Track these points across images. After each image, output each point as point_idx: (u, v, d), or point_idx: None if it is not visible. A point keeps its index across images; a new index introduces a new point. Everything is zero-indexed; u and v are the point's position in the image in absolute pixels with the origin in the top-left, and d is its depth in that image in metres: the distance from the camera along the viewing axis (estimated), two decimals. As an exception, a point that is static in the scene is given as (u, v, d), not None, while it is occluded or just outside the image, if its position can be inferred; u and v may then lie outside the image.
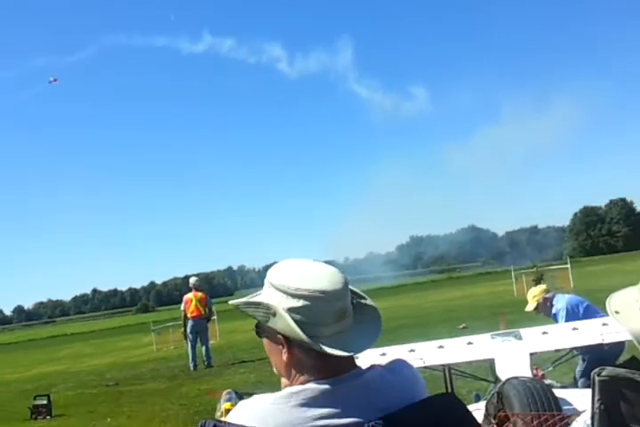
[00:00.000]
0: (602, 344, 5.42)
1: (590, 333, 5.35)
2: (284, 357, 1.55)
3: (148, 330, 28.68)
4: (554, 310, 7.70)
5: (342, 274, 1.59)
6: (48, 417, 12.32)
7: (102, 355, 27.95)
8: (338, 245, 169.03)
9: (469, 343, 5.57)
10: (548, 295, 7.86)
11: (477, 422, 1.64)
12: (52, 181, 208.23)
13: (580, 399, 4.32)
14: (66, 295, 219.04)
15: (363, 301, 1.65)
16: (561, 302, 7.67)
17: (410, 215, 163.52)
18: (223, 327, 25.87)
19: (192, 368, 16.46)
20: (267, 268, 1.65)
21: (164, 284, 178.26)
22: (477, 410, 4.38)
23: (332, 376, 1.52)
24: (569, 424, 3.97)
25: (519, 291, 26.52)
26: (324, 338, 1.51)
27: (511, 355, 5.19)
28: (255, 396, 1.53)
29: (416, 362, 5.12)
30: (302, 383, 1.52)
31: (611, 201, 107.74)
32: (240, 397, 7.19)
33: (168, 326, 26.78)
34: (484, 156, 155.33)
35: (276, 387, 1.57)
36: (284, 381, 1.60)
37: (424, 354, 5.42)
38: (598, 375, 1.69)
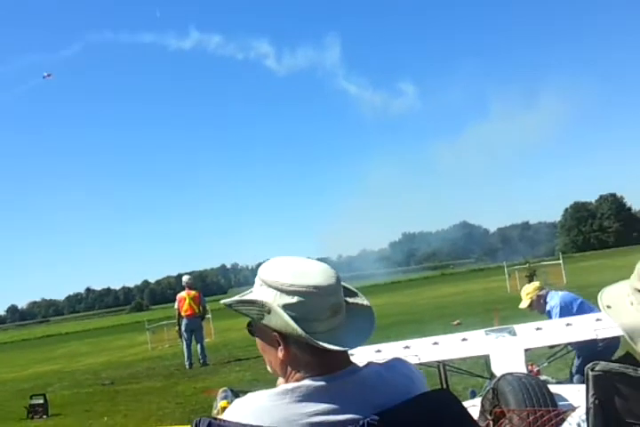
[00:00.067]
0: (596, 340, 5.46)
1: (584, 328, 5.39)
2: (280, 354, 1.55)
3: (143, 329, 28.64)
4: (547, 307, 7.73)
5: (334, 270, 1.60)
6: (44, 417, 12.31)
7: (97, 354, 27.88)
8: (331, 243, 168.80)
9: (464, 340, 5.60)
10: (541, 292, 7.89)
11: (472, 418, 1.66)
12: (43, 181, 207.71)
13: (576, 395, 4.36)
14: (59, 295, 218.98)
15: (354, 298, 1.66)
16: (554, 299, 7.70)
17: (402, 212, 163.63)
18: (218, 325, 25.83)
19: (187, 367, 16.45)
20: (260, 265, 1.66)
21: (158, 282, 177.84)
22: (473, 406, 4.42)
23: (328, 373, 1.53)
24: (564, 420, 4.00)
25: (512, 287, 26.58)
26: (320, 334, 1.51)
27: (506, 351, 5.22)
28: (250, 393, 1.54)
29: (411, 359, 5.15)
30: (298, 380, 1.53)
31: (601, 196, 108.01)
32: (236, 395, 7.21)
33: (162, 324, 26.78)
34: (474, 152, 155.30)
35: (271, 385, 1.59)
36: (280, 380, 1.60)
37: (419, 351, 5.45)
38: (592, 370, 1.71)
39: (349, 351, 1.59)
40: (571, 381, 7.16)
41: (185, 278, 17.48)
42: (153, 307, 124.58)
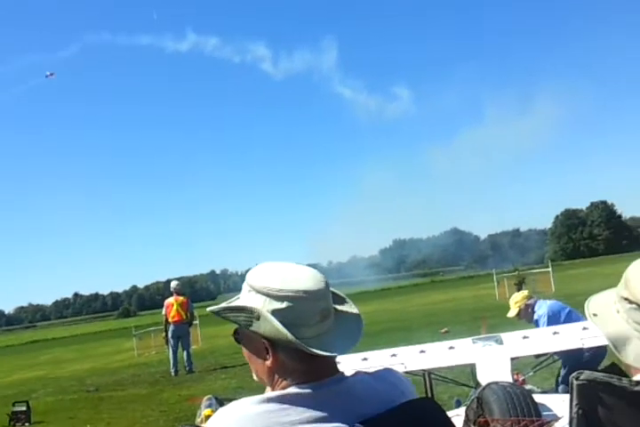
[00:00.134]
0: (582, 349, 5.44)
1: (570, 337, 5.36)
2: (269, 361, 1.53)
3: (130, 335, 28.54)
4: (535, 316, 7.72)
5: (322, 274, 1.59)
6: (27, 424, 12.21)
7: (83, 360, 27.82)
8: (321, 249, 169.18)
9: (451, 348, 5.56)
10: (529, 301, 7.88)
11: (455, 427, 1.64)
12: (31, 184, 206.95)
13: (560, 405, 4.33)
14: (47, 300, 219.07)
15: (342, 305, 1.65)
16: (542, 309, 7.70)
17: (393, 218, 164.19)
18: (205, 332, 25.78)
19: (173, 374, 16.37)
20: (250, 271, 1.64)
21: (147, 288, 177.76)
22: (457, 416, 4.38)
23: (315, 380, 1.51)
24: (548, 430, 3.97)
25: (501, 295, 26.68)
26: (309, 339, 1.49)
27: (492, 360, 5.19)
28: (235, 401, 1.51)
29: (398, 367, 5.11)
30: (284, 388, 1.51)
31: (592, 204, 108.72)
32: (221, 403, 7.17)
33: (150, 330, 26.69)
34: (466, 158, 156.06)
35: (257, 392, 1.55)
36: (267, 389, 1.58)
37: (405, 359, 5.41)
38: (576, 379, 1.69)
39: (336, 359, 1.57)
40: (556, 390, 7.14)
41: (173, 284, 17.43)
42: (141, 313, 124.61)
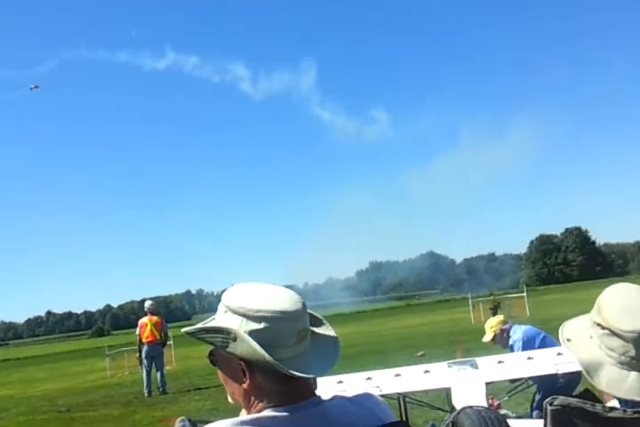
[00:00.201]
0: (557, 375, 5.46)
1: (545, 362, 5.39)
2: (245, 384, 1.51)
3: (103, 355, 28.16)
4: (510, 342, 7.75)
5: (299, 295, 1.58)
6: (-4, 444, 12.01)
7: (55, 380, 27.40)
8: (297, 270, 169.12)
9: (426, 372, 5.56)
10: (505, 326, 7.91)
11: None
12: (3, 201, 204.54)
13: (534, 430, 4.34)
14: (19, 317, 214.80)
15: (319, 327, 1.64)
16: (517, 334, 7.73)
17: (369, 240, 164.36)
18: (180, 353, 25.52)
19: (146, 395, 16.16)
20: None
21: (121, 307, 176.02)
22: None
23: (292, 403, 1.49)
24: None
25: (476, 319, 26.72)
26: (286, 361, 1.47)
27: (467, 384, 5.20)
28: (209, 424, 1.48)
29: (373, 390, 5.10)
30: (260, 410, 1.49)
31: (566, 229, 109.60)
32: (194, 424, 7.08)
33: (123, 350, 26.38)
34: (443, 182, 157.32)
35: (232, 414, 1.54)
36: (243, 411, 1.56)
37: (381, 382, 5.40)
38: (550, 405, 1.71)
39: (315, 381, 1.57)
40: (531, 415, 7.15)
41: (147, 304, 17.29)
42: (115, 332, 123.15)
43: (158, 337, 16.46)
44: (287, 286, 1.63)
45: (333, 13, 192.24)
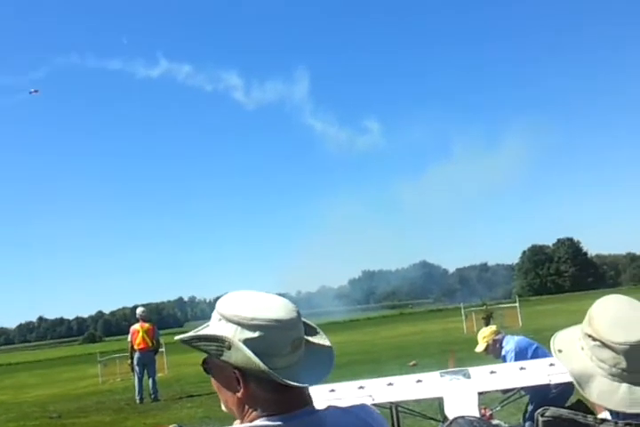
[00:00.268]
0: (549, 385, 5.47)
1: (537, 373, 5.40)
2: (240, 392, 1.50)
3: (95, 361, 28.04)
4: (503, 352, 7.75)
5: (293, 304, 1.56)
6: (-14, 450, 11.95)
7: (46, 386, 27.25)
8: (290, 278, 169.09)
9: (418, 381, 5.56)
10: (497, 337, 7.91)
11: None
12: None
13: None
14: (10, 323, 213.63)
15: (314, 337, 1.63)
16: (510, 344, 7.73)
17: (362, 249, 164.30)
18: (172, 360, 25.43)
19: (138, 402, 16.11)
20: (218, 299, 1.61)
21: (113, 313, 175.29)
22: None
23: (286, 412, 1.49)
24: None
25: (469, 328, 26.75)
26: (280, 370, 1.46)
27: (459, 394, 5.20)
28: None
29: (365, 399, 5.10)
30: (254, 419, 1.49)
31: (558, 240, 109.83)
32: (186, 432, 7.08)
33: (115, 357, 26.28)
34: (435, 192, 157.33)
35: (223, 423, 1.55)
36: (237, 421, 1.56)
37: (373, 391, 5.40)
38: (542, 416, 1.71)
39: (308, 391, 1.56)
40: (523, 426, 7.15)
41: (139, 311, 17.26)
42: (106, 339, 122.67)
43: (150, 344, 16.42)
44: (280, 294, 1.63)
45: (327, 23, 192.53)
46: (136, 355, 16.34)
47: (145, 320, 16.73)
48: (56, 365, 47.42)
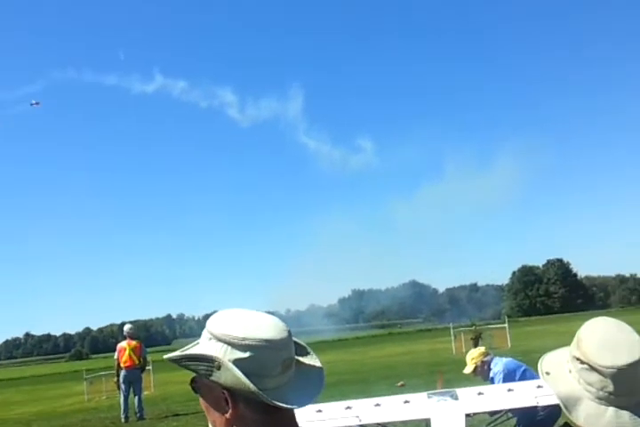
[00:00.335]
0: (537, 407, 5.46)
1: (525, 395, 5.39)
2: (228, 413, 1.45)
3: (81, 378, 27.87)
4: (491, 374, 7.74)
5: (284, 323, 1.53)
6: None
7: (31, 403, 27.07)
8: (280, 296, 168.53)
9: (406, 402, 5.54)
10: (486, 358, 7.90)
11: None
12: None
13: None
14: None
15: (305, 357, 1.60)
16: (498, 366, 7.72)
17: (352, 268, 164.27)
18: (158, 378, 25.25)
19: (123, 420, 15.96)
20: (207, 317, 1.57)
21: (100, 330, 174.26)
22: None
23: None
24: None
25: (458, 349, 26.69)
26: (270, 391, 1.42)
27: (447, 415, 5.18)
28: None
29: (352, 420, 5.08)
30: None
31: (548, 261, 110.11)
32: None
33: (101, 374, 26.10)
34: (427, 212, 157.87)
35: (209, 443, 1.54)
36: None
37: (360, 412, 5.37)
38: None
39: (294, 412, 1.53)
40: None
41: (126, 328, 17.14)
42: (93, 356, 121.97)
43: (137, 362, 16.29)
44: (269, 313, 1.59)
45: (321, 41, 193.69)
46: (122, 373, 16.21)
47: (132, 338, 16.62)
48: (42, 382, 47.10)
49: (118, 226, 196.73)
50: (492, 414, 6.29)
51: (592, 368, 1.66)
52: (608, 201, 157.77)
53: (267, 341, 1.45)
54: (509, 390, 5.57)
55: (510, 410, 6.18)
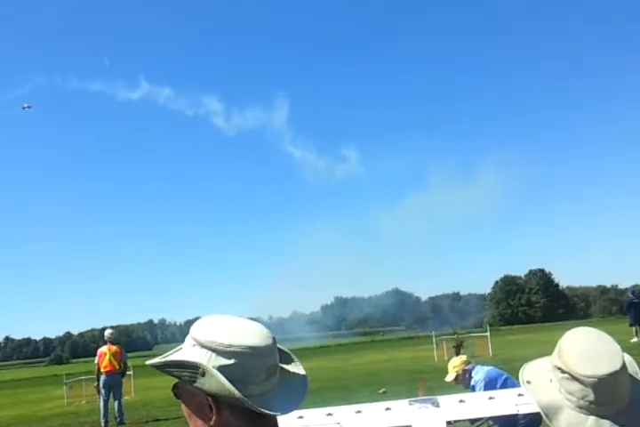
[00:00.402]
0: (517, 415, 5.49)
1: (506, 402, 5.41)
2: (212, 420, 1.45)
3: (61, 383, 27.62)
4: (472, 382, 7.77)
5: (268, 330, 1.53)
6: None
7: (11, 407, 26.82)
8: (262, 303, 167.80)
9: (387, 409, 5.55)
10: (467, 367, 7.93)
11: None
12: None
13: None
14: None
15: (289, 365, 1.61)
16: (480, 374, 7.75)
17: (335, 276, 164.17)
18: (140, 383, 25.11)
19: (103, 425, 15.87)
20: (188, 322, 1.57)
21: (81, 335, 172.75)
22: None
23: None
24: None
25: (439, 357, 26.72)
26: (255, 397, 1.42)
27: (428, 422, 5.20)
28: None
29: (333, 426, 5.07)
30: None
31: (530, 271, 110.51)
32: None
33: (81, 379, 25.91)
34: (410, 221, 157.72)
35: (190, 449, 1.53)
36: None
37: (341, 418, 5.38)
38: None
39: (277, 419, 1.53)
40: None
41: (107, 333, 17.07)
42: (73, 360, 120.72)
43: (117, 367, 16.23)
44: (251, 319, 1.60)
45: (307, 51, 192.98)
46: (102, 377, 16.14)
47: (113, 342, 16.56)
48: (22, 386, 46.64)
49: (101, 231, 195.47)
50: (473, 421, 6.32)
51: (573, 378, 1.68)
52: (590, 212, 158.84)
53: (251, 348, 1.45)
54: (490, 398, 5.59)
55: (491, 418, 6.21)
